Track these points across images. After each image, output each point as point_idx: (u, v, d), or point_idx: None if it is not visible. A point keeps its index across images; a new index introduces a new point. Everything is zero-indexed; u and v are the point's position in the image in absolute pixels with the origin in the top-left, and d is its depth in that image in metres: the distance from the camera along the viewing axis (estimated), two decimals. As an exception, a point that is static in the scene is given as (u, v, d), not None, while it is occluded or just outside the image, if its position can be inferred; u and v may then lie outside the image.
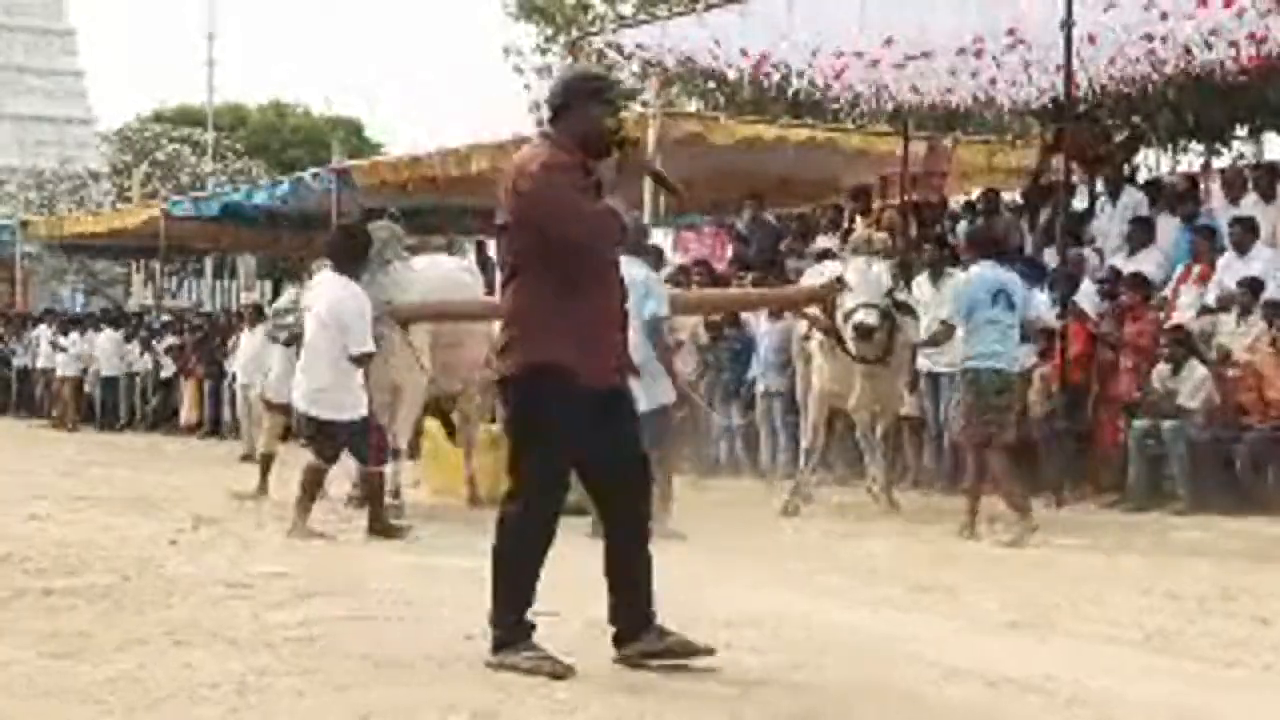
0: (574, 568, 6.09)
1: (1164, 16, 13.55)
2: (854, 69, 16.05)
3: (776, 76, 16.42)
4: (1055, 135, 16.47)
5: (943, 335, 11.67)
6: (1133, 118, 20.14)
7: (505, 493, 6.04)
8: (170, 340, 25.88)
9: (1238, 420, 12.68)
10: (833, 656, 6.27)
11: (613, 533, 6.05)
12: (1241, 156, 21.72)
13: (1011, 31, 14.36)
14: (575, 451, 5.90)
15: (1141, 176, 18.47)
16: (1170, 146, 22.09)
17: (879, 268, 12.25)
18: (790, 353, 14.77)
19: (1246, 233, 13.74)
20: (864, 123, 19.47)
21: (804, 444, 13.22)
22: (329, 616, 7.06)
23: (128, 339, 27.20)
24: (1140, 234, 14.78)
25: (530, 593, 5.93)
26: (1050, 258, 14.76)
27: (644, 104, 19.66)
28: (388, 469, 12.14)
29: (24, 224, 34.11)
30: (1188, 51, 13.69)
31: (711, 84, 21.10)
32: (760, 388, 16.06)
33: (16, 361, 30.32)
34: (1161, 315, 13.68)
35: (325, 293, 10.61)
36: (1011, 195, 18.32)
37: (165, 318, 28.23)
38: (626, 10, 29.25)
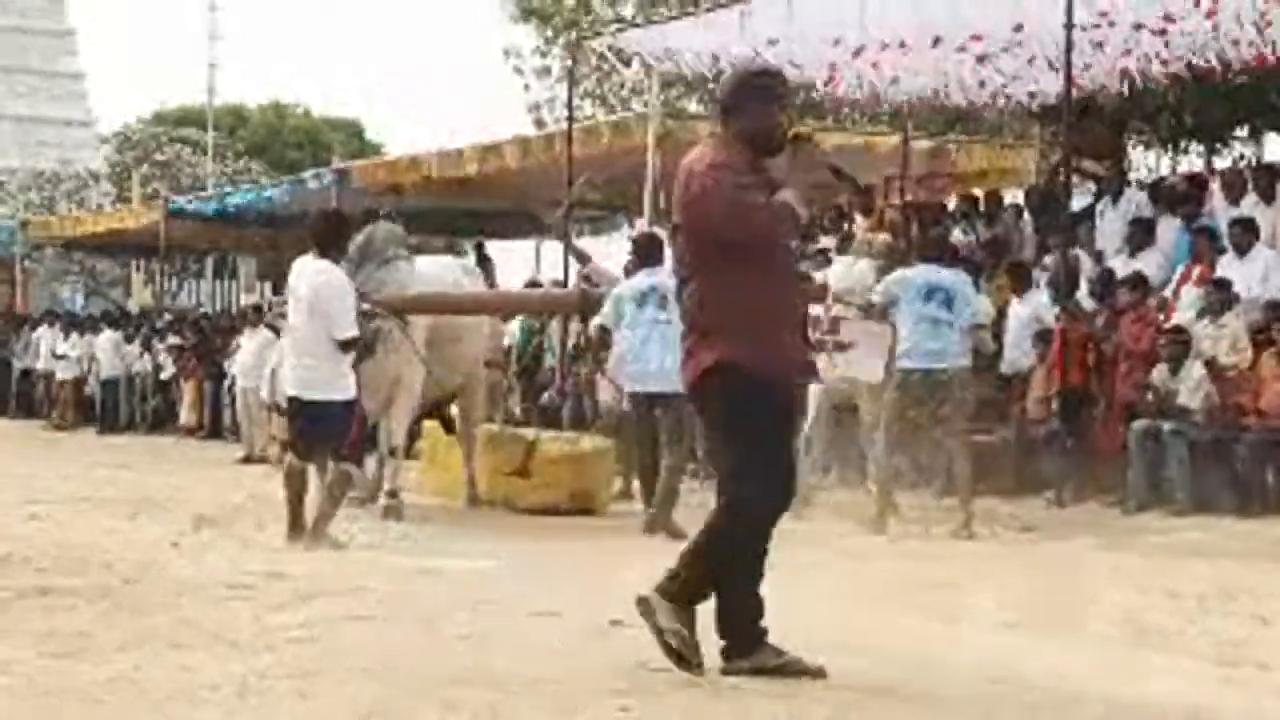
0: (583, 567, 6.08)
1: (1168, 19, 13.54)
2: (853, 69, 16.07)
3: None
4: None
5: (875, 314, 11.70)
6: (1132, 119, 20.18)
7: (723, 498, 5.83)
8: (171, 341, 25.86)
9: (1237, 421, 12.67)
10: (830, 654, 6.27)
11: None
12: (1242, 157, 21.71)
13: (1019, 27, 14.34)
14: (765, 449, 5.77)
15: (1137, 177, 18.48)
16: (1171, 147, 22.08)
17: (863, 265, 12.35)
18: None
19: (1246, 233, 13.74)
20: (863, 122, 19.50)
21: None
22: (330, 618, 7.06)
23: (128, 340, 27.19)
24: (1140, 235, 14.78)
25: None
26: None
27: (644, 105, 19.69)
28: (386, 469, 12.16)
29: (24, 224, 34.12)
30: (1189, 52, 13.70)
31: (713, 86, 21.04)
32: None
33: (16, 363, 30.30)
34: (1161, 316, 13.69)
35: (307, 277, 10.36)
36: (1012, 196, 18.33)
37: (167, 318, 28.24)
38: (627, 12, 29.26)
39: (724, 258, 5.74)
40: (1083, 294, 14.27)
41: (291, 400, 10.44)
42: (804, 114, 19.98)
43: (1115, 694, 5.66)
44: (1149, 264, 14.35)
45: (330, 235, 10.52)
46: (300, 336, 10.35)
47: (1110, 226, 15.43)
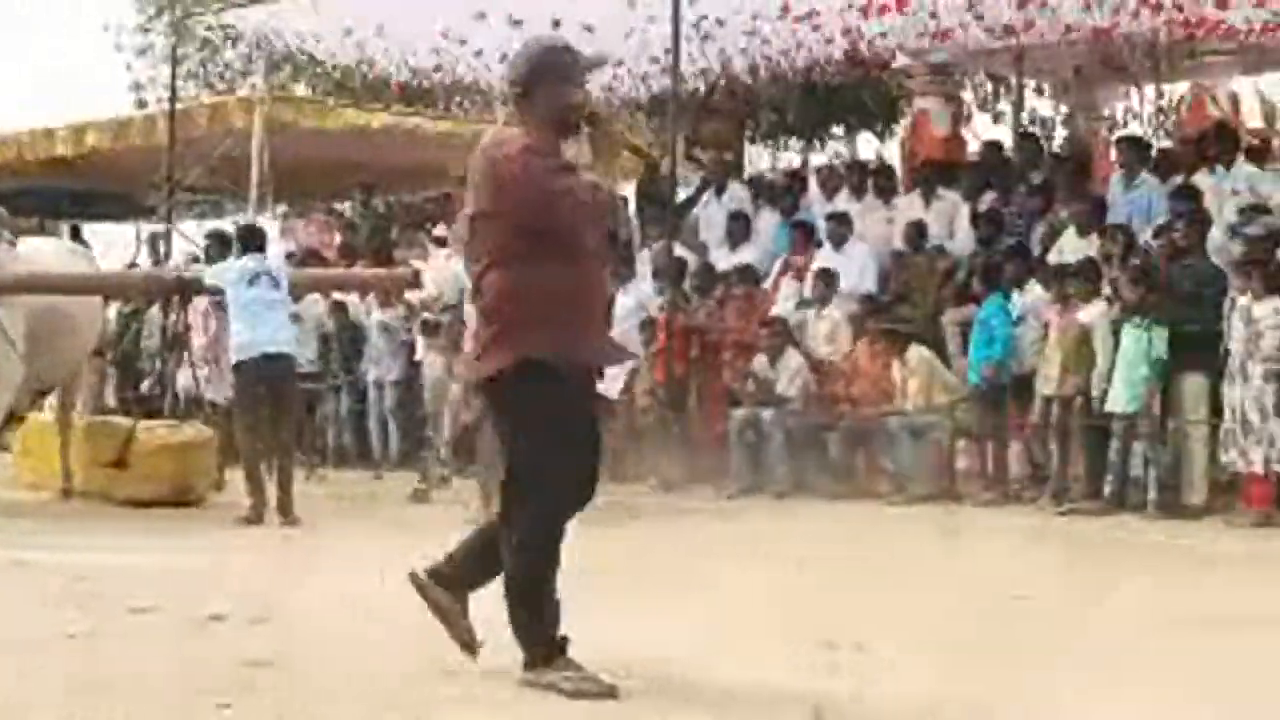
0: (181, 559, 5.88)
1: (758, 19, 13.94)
2: (464, 57, 16.08)
3: (383, 63, 16.32)
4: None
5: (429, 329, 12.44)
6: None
7: (507, 500, 5.57)
8: None
9: (832, 409, 13.12)
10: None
11: None
12: (838, 155, 22.54)
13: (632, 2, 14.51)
14: (569, 447, 5.50)
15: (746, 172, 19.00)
16: (772, 143, 22.77)
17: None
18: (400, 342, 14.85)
19: (841, 228, 14.25)
20: (471, 110, 19.51)
21: (427, 432, 13.43)
22: None
23: None
24: (740, 228, 15.16)
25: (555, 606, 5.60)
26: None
27: (251, 87, 19.26)
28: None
29: None
30: (782, 54, 14.15)
31: (320, 69, 20.77)
32: (371, 377, 15.89)
33: None
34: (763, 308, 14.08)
35: None
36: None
37: None
38: (233, -10, 28.54)
39: (532, 246, 5.44)
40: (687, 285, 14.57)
41: None
42: (412, 102, 19.89)
43: (727, 679, 5.75)
44: (749, 257, 14.73)
45: None
46: None
47: (714, 219, 15.79)
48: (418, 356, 14.09)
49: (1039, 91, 18.97)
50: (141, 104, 27.57)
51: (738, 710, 5.34)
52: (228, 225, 19.62)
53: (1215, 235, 12.00)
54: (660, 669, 5.81)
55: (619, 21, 14.70)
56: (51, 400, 13.82)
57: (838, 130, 23.27)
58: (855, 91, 19.97)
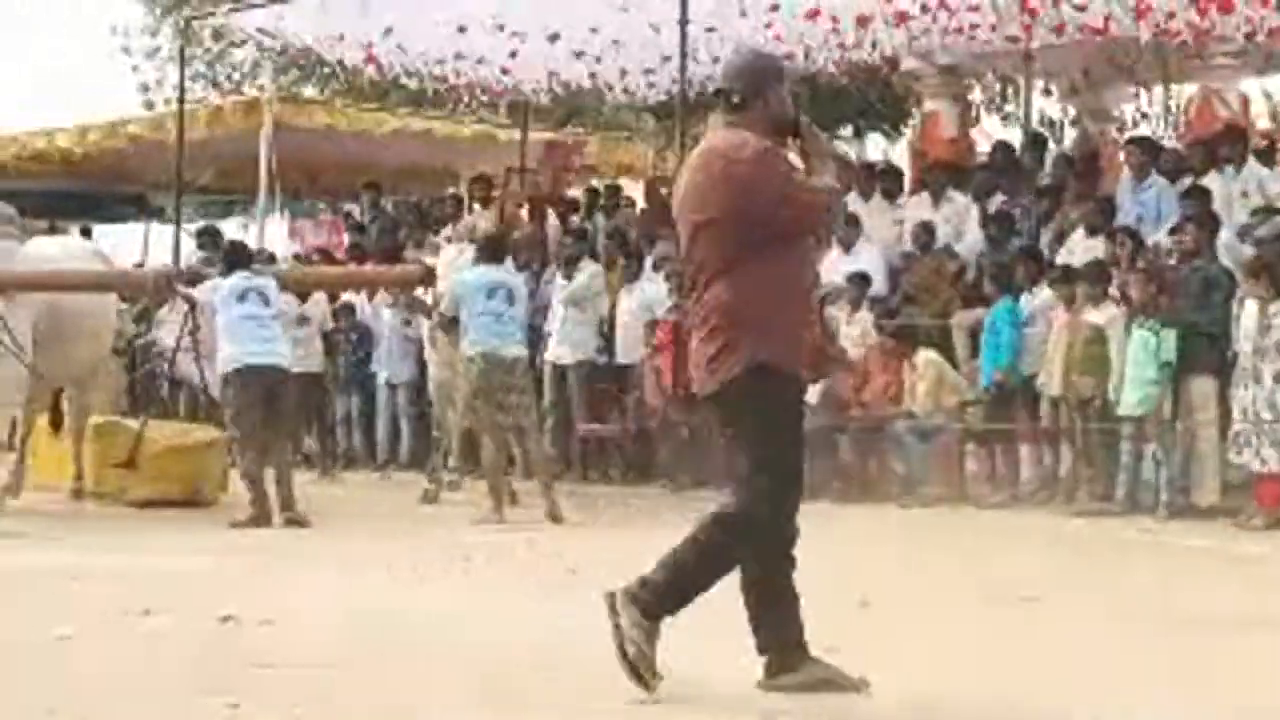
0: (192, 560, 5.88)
1: (775, 8, 13.91)
2: (471, 59, 16.07)
3: (397, 66, 16.31)
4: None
5: (445, 326, 12.22)
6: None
7: (734, 506, 5.51)
8: None
9: (843, 411, 13.09)
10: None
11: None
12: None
13: (624, 9, 14.51)
14: (800, 447, 5.49)
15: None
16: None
17: (470, 255, 12.47)
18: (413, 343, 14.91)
19: (850, 229, 14.22)
20: (482, 113, 19.51)
21: (435, 433, 13.45)
22: None
23: None
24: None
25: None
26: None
27: (260, 89, 19.26)
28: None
29: None
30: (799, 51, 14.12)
31: (328, 71, 20.77)
32: (382, 378, 15.89)
33: None
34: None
35: None
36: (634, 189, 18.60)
37: None
38: (240, -9, 28.51)
39: (762, 250, 5.36)
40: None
41: None
42: (420, 104, 19.90)
43: (729, 680, 5.74)
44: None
45: None
46: None
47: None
48: (426, 356, 14.12)
49: (1048, 93, 18.95)
50: (149, 105, 27.59)
51: (738, 710, 5.32)
52: (228, 227, 19.75)
53: (1225, 237, 11.98)
54: (661, 672, 5.80)
55: (625, 21, 14.70)
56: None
57: (845, 132, 23.27)
58: (863, 92, 19.96)
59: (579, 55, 15.53)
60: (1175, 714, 5.38)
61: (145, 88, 29.60)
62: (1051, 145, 17.01)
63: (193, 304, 12.19)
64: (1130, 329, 11.53)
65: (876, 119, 21.84)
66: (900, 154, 19.51)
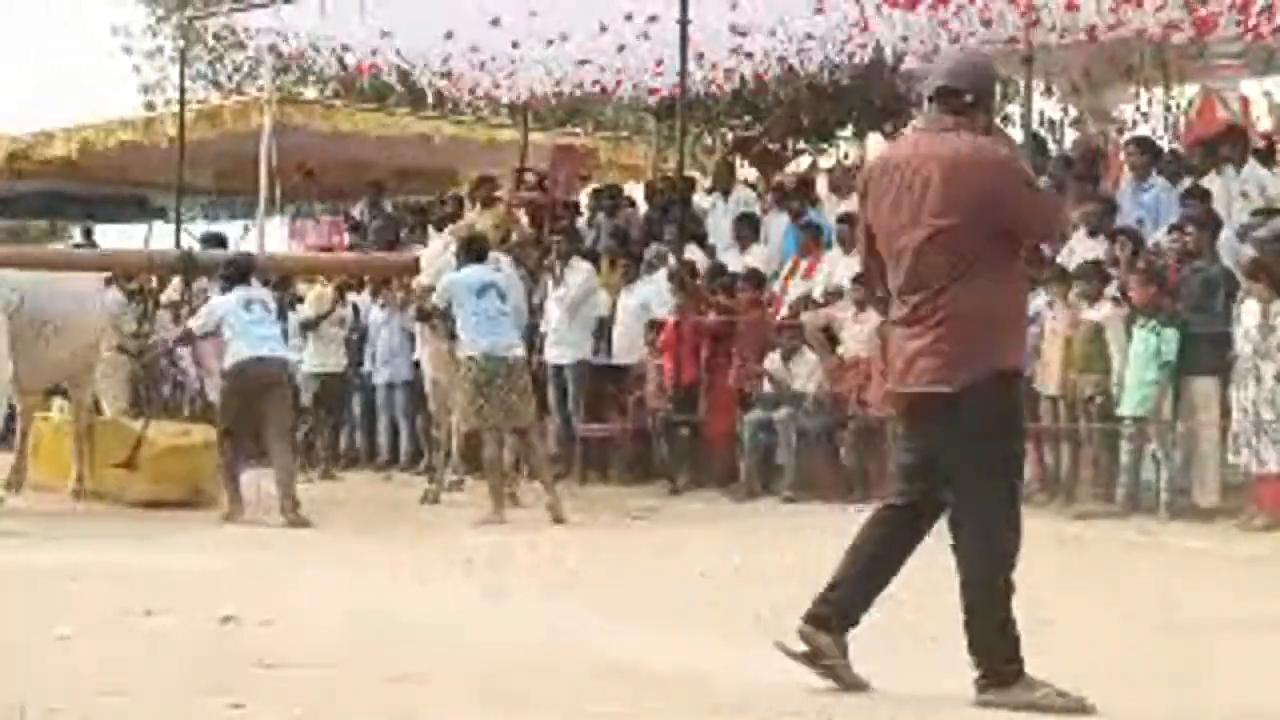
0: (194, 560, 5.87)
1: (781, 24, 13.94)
2: (472, 60, 16.09)
3: (396, 66, 16.32)
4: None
5: (433, 319, 12.46)
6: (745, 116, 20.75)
7: (982, 509, 5.43)
8: None
9: (842, 408, 13.08)
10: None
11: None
12: (846, 156, 22.48)
13: (629, 16, 14.52)
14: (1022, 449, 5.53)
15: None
16: (783, 145, 22.70)
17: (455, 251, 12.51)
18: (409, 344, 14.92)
19: (851, 229, 14.20)
20: (484, 114, 19.51)
21: (434, 433, 13.47)
22: None
23: None
24: (747, 230, 15.13)
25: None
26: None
27: (259, 89, 19.26)
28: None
29: None
30: (798, 52, 14.13)
31: (330, 71, 20.77)
32: (382, 378, 15.90)
33: None
34: (770, 309, 14.05)
35: None
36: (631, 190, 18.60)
37: None
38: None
39: (1001, 254, 5.36)
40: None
41: None
42: (418, 105, 19.90)
43: (731, 680, 5.74)
44: (757, 259, 14.71)
45: None
46: None
47: (720, 222, 15.76)
48: (415, 355, 14.17)
49: (1048, 93, 18.93)
50: (150, 105, 27.59)
51: (740, 710, 5.33)
52: (228, 228, 19.76)
53: (1226, 237, 11.97)
54: (662, 671, 5.81)
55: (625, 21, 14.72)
56: (62, 401, 13.86)
57: (845, 132, 23.22)
58: (864, 92, 19.93)
59: (582, 64, 15.58)
60: (1175, 714, 5.37)
61: (146, 88, 29.61)
62: (1052, 146, 16.98)
63: (191, 339, 12.55)
64: (1130, 329, 11.52)
65: (877, 119, 21.76)
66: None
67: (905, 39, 14.00)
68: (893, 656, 6.21)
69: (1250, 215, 12.28)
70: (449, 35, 15.39)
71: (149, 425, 12.70)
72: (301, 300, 15.96)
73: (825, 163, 21.10)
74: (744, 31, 14.47)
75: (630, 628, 6.79)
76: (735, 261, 14.75)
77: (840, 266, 13.94)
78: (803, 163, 21.57)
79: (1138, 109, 17.32)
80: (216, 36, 24.45)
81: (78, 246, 21.35)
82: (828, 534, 10.71)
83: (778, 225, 15.33)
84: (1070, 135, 18.51)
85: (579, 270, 14.60)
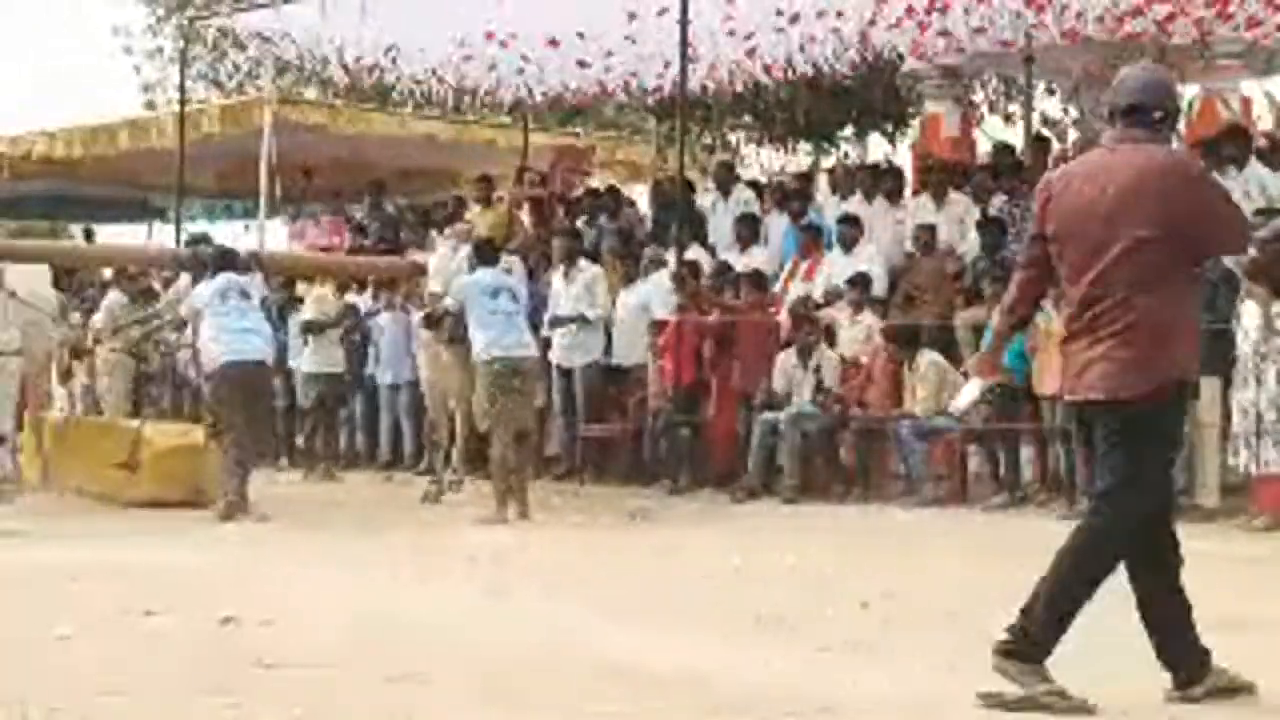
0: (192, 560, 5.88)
1: (780, 14, 13.93)
2: (474, 60, 16.08)
3: (396, 67, 16.33)
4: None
5: (438, 323, 12.42)
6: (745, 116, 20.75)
7: (1108, 511, 5.51)
8: None
9: (843, 410, 13.07)
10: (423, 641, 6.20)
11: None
12: (847, 156, 22.51)
13: (632, 16, 14.52)
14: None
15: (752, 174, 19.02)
16: (783, 146, 22.74)
17: (464, 254, 12.47)
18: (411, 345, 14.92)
19: (852, 230, 14.22)
20: (484, 115, 19.51)
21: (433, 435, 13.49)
22: None
23: None
24: (747, 231, 15.13)
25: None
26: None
27: (258, 89, 19.26)
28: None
29: None
30: (802, 50, 14.13)
31: (330, 73, 20.79)
32: (385, 379, 15.90)
33: None
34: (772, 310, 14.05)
35: None
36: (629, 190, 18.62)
37: None
38: (240, -8, 28.47)
39: (1189, 266, 5.48)
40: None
41: None
42: (419, 107, 19.90)
43: (732, 681, 5.74)
44: (758, 260, 14.70)
45: None
46: None
47: (721, 222, 15.76)
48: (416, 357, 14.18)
49: (1050, 93, 18.95)
50: (151, 105, 27.60)
51: (740, 710, 5.32)
52: (230, 229, 19.78)
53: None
54: (663, 672, 5.80)
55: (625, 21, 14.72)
56: (62, 402, 13.90)
57: (846, 132, 23.26)
58: (865, 92, 19.95)
59: (581, 65, 15.59)
60: (1176, 714, 5.37)
61: (147, 88, 29.62)
62: (1054, 146, 16.99)
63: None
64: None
65: (878, 120, 21.79)
66: (902, 155, 19.50)
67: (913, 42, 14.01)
68: (892, 656, 6.22)
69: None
70: (452, 39, 15.39)
71: (145, 425, 12.73)
72: (301, 301, 15.98)
73: (826, 162, 21.16)
74: (749, 35, 14.45)
75: (630, 628, 6.79)
76: (736, 262, 14.74)
77: (840, 268, 13.94)
78: (804, 162, 21.53)
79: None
80: (221, 32, 24.44)
81: (88, 239, 21.45)
82: (828, 534, 10.83)
83: (778, 226, 15.33)
84: (1072, 135, 18.54)
85: (589, 272, 14.58)
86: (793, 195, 15.67)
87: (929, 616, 7.19)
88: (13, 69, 51.98)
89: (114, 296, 15.77)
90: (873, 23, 13.77)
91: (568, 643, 6.37)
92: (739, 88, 16.03)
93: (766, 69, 15.17)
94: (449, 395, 12.77)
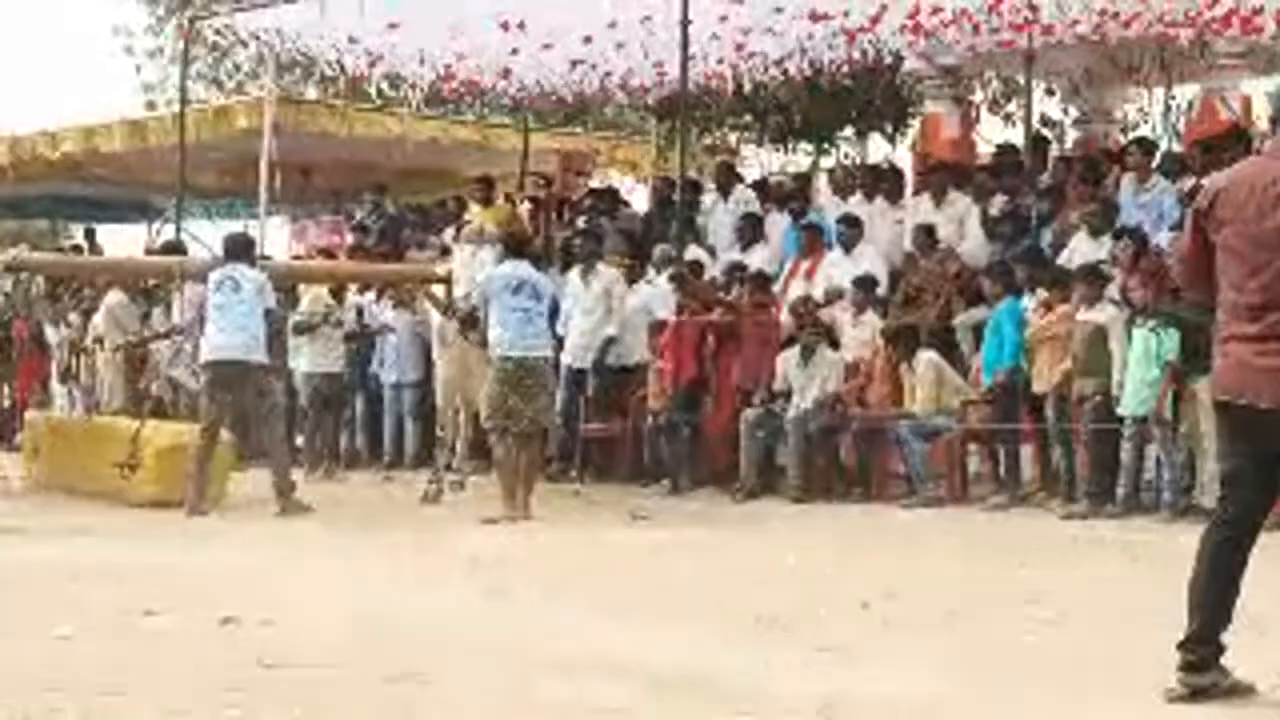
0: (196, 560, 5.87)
1: (780, 12, 13.94)
2: (472, 61, 16.09)
3: (395, 68, 16.34)
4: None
5: (465, 322, 12.46)
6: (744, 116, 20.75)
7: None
8: None
9: (843, 410, 13.07)
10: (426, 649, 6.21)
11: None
12: (846, 156, 22.50)
13: (613, 25, 14.55)
14: None
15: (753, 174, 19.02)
16: (782, 146, 22.73)
17: (485, 255, 12.44)
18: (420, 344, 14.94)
19: (852, 230, 14.22)
20: (484, 115, 19.51)
21: (439, 432, 13.40)
22: None
23: None
24: (749, 230, 15.13)
25: None
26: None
27: (260, 89, 19.25)
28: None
29: None
30: (799, 53, 14.14)
31: (330, 73, 20.79)
32: (390, 379, 15.89)
33: None
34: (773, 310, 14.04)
35: None
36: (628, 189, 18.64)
37: None
38: (241, -8, 28.46)
39: None
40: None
41: None
42: (419, 106, 19.89)
43: (732, 681, 5.75)
44: (759, 259, 14.70)
45: None
46: None
47: (720, 221, 15.77)
48: (434, 356, 14.13)
49: (1050, 93, 18.94)
50: (151, 105, 27.60)
51: (740, 710, 5.32)
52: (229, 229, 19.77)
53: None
54: (663, 671, 5.80)
55: (626, 21, 14.72)
56: (61, 400, 13.91)
57: (847, 132, 23.25)
58: (865, 93, 19.95)
59: (576, 64, 15.59)
60: (1176, 715, 5.36)
61: (147, 88, 29.64)
62: (1054, 146, 17.00)
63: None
64: (1131, 329, 11.51)
65: (878, 120, 21.78)
66: (902, 155, 19.50)
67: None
68: (893, 656, 6.22)
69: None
70: (453, 38, 15.39)
71: (144, 424, 12.73)
72: (298, 300, 15.94)
73: (825, 163, 21.16)
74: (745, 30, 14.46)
75: (630, 627, 6.79)
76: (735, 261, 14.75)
77: (841, 268, 13.93)
78: (802, 163, 21.54)
79: (1139, 109, 17.34)
80: (219, 33, 24.43)
81: (75, 248, 21.43)
82: (828, 534, 10.83)
83: (778, 226, 15.33)
84: (1072, 135, 18.54)
85: (607, 275, 14.54)
86: (792, 195, 15.69)
87: (929, 616, 7.18)
88: (13, 69, 51.95)
89: (114, 296, 15.73)
90: (875, 22, 13.78)
91: (568, 642, 6.37)
92: (743, 84, 16.00)
93: (766, 69, 15.18)
94: (468, 396, 12.69)
